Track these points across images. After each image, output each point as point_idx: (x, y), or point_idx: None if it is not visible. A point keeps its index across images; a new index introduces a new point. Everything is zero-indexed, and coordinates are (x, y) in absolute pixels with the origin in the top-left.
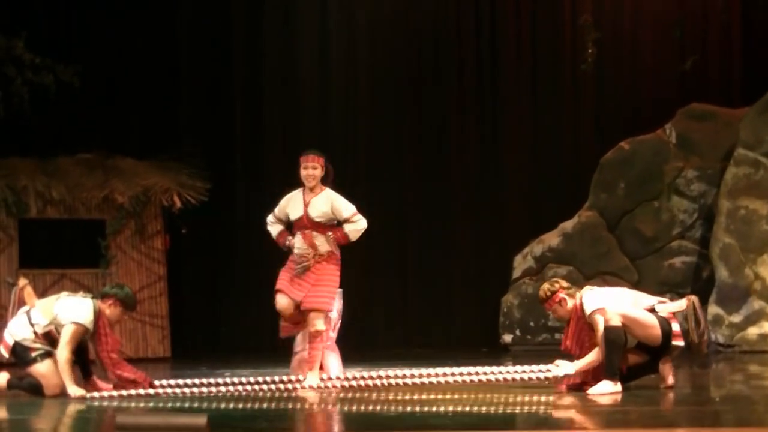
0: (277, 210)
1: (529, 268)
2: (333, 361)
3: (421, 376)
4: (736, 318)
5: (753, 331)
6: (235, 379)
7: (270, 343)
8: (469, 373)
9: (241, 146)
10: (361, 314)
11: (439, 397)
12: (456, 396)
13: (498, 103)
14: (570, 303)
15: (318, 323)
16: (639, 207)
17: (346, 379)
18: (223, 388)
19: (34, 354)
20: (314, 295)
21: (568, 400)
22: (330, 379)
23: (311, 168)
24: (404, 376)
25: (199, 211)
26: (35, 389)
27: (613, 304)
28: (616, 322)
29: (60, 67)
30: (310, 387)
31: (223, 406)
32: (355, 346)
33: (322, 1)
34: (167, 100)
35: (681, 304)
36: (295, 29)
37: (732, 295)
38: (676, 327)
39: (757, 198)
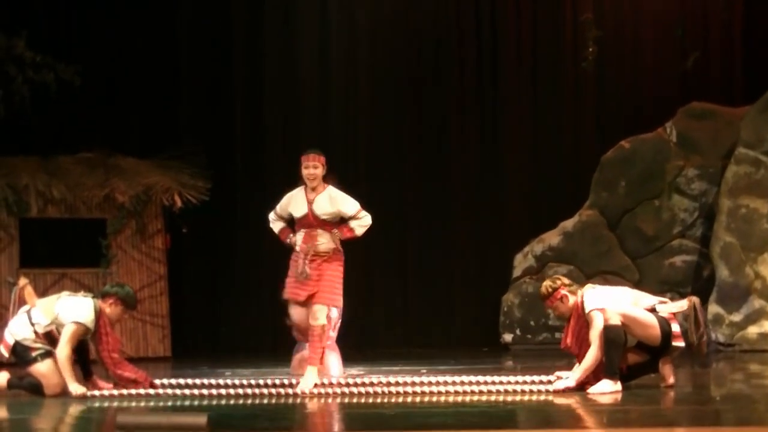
0: (278, 208)
1: (529, 267)
2: (333, 360)
3: (422, 384)
4: (737, 317)
5: (753, 330)
6: (236, 381)
7: (270, 342)
8: (470, 383)
9: (242, 146)
10: (362, 313)
11: (441, 396)
12: (457, 395)
13: (498, 103)
14: (571, 300)
15: (320, 317)
16: (640, 206)
17: (347, 384)
18: (223, 391)
19: (34, 354)
20: (319, 290)
21: (568, 399)
22: (326, 384)
23: (312, 167)
24: (405, 384)
25: (199, 210)
26: (35, 389)
27: (614, 303)
28: (615, 321)
29: (61, 65)
30: (302, 392)
31: (223, 405)
32: (356, 345)
33: (322, 1)
34: (168, 99)
35: (682, 304)
36: (295, 29)
37: (732, 294)
38: (676, 327)
39: (758, 197)
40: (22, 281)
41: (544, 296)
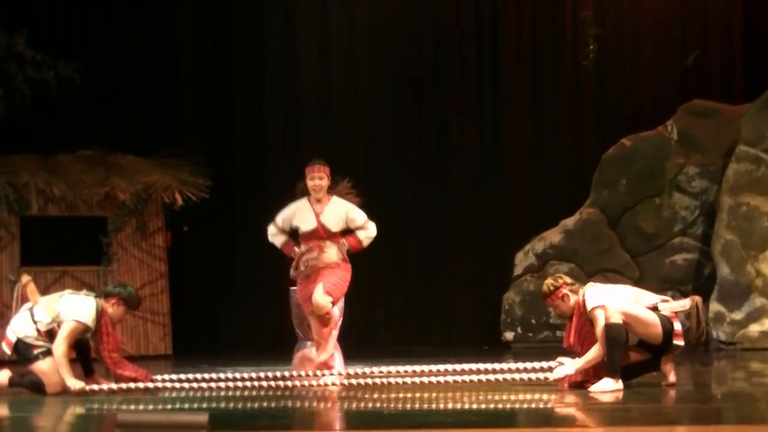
0: (280, 221)
1: (530, 266)
2: (336, 358)
3: (422, 374)
4: (738, 315)
5: (754, 329)
6: (237, 375)
7: (271, 340)
8: (471, 371)
9: (242, 144)
10: (362, 312)
11: (441, 394)
12: (458, 393)
13: (498, 101)
14: (572, 299)
15: (319, 296)
16: (640, 204)
17: (349, 375)
18: (222, 384)
19: (36, 351)
20: (329, 282)
21: (569, 397)
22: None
23: (318, 178)
24: (405, 373)
25: (200, 208)
26: (37, 387)
27: (615, 301)
28: (617, 319)
29: (61, 64)
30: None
31: (224, 404)
32: (356, 344)
33: (322, 0)
34: (168, 97)
35: (684, 303)
36: (295, 28)
37: (733, 292)
38: (678, 326)
39: (759, 195)
40: (25, 279)
41: (545, 294)
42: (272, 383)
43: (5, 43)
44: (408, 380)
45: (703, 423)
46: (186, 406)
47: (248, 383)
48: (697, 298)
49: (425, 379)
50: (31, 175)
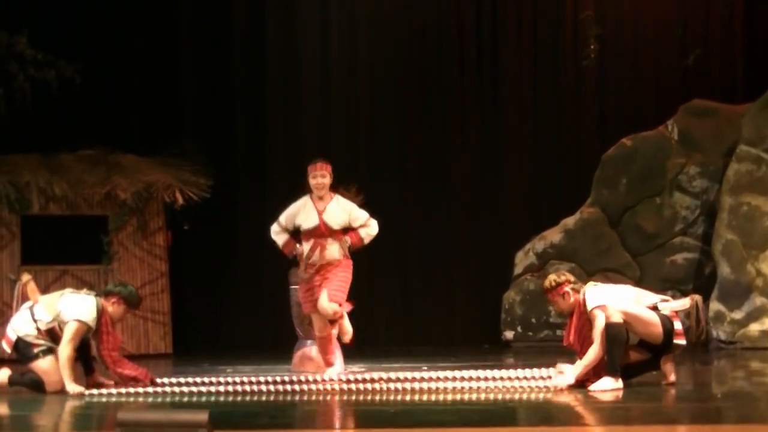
0: (283, 220)
1: (530, 265)
2: (337, 357)
3: (422, 380)
4: (738, 314)
5: (755, 328)
6: (237, 378)
7: (271, 339)
8: (470, 378)
9: (243, 143)
10: (362, 311)
11: (441, 393)
12: (458, 392)
13: (499, 101)
14: (573, 298)
15: (324, 302)
16: (641, 203)
17: (349, 381)
18: (222, 388)
19: (36, 350)
20: (332, 287)
21: (569, 396)
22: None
23: (320, 176)
24: (405, 380)
25: (201, 207)
26: (37, 385)
27: (615, 300)
28: (617, 318)
29: (62, 63)
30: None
31: (224, 402)
32: (357, 343)
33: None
34: (169, 96)
35: (684, 303)
36: (295, 27)
37: (734, 291)
38: (678, 325)
39: (760, 194)
40: (26, 277)
41: (546, 289)
42: (271, 387)
43: (6, 42)
44: (408, 386)
45: (703, 422)
46: (186, 399)
47: (247, 387)
48: (697, 297)
49: (425, 385)
50: (32, 174)
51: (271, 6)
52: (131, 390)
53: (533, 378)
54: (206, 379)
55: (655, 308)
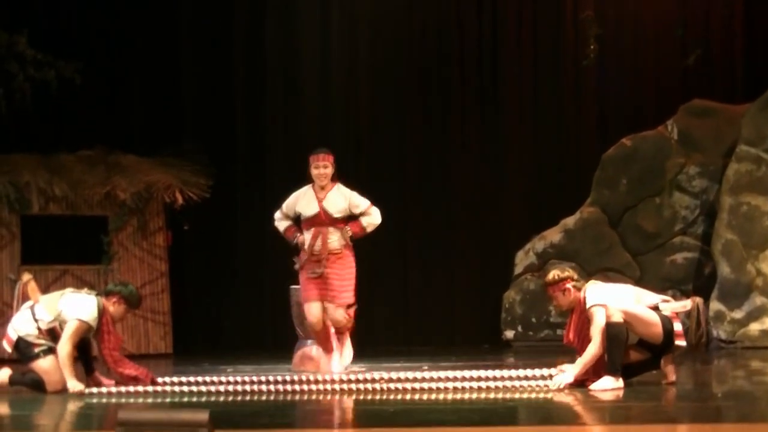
0: (284, 207)
1: (530, 264)
2: (334, 356)
3: (423, 380)
4: (738, 314)
5: (755, 327)
6: (237, 378)
7: (271, 339)
8: (471, 378)
9: (243, 143)
10: (363, 311)
11: (441, 392)
12: (459, 392)
13: (499, 100)
14: (573, 295)
15: (338, 314)
16: (641, 203)
17: (350, 381)
18: (222, 388)
19: (37, 350)
20: (336, 294)
21: (570, 395)
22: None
23: (323, 167)
24: (405, 379)
25: (201, 207)
26: (37, 385)
27: (615, 300)
28: (617, 318)
29: (62, 63)
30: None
31: (225, 401)
32: (357, 342)
33: None
34: (169, 97)
35: (685, 304)
36: (295, 27)
37: (734, 291)
38: (678, 326)
39: (759, 194)
40: (26, 277)
41: (548, 283)
42: (271, 387)
43: (6, 42)
44: (408, 386)
45: (704, 421)
46: (186, 399)
47: (248, 387)
48: (698, 299)
49: (426, 385)
50: (32, 175)
51: (271, 6)
52: (132, 390)
53: (534, 377)
54: (206, 378)
55: (655, 308)
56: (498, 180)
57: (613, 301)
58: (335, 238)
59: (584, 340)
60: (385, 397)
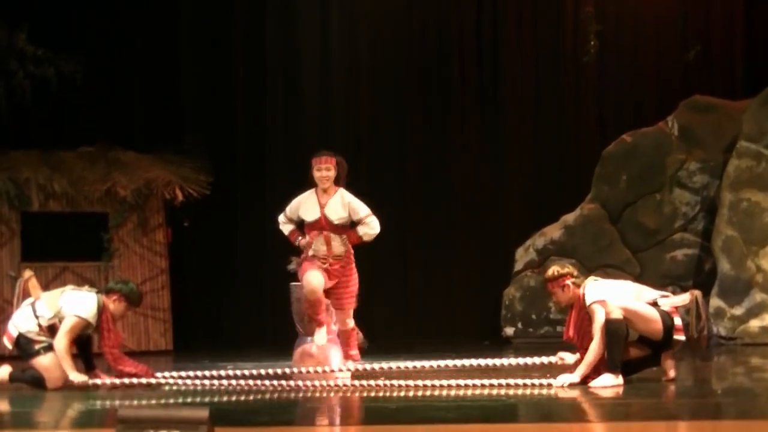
0: (288, 211)
1: (530, 261)
2: (334, 353)
3: (424, 372)
4: (738, 310)
5: (755, 324)
6: (237, 372)
7: (271, 335)
8: (472, 366)
9: (243, 140)
10: (363, 307)
11: (442, 390)
12: (459, 389)
13: (499, 97)
14: (572, 291)
15: (349, 322)
16: (641, 199)
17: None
18: (225, 382)
19: (37, 347)
20: (342, 297)
21: (570, 392)
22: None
23: (325, 169)
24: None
25: (201, 204)
26: (37, 382)
27: (615, 296)
28: (617, 314)
29: (62, 60)
30: (340, 369)
31: (225, 399)
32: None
33: None
34: (169, 93)
35: (684, 298)
36: (295, 23)
37: (734, 287)
38: (678, 321)
39: (760, 190)
40: (27, 273)
41: (548, 278)
42: (274, 382)
43: (6, 38)
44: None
45: (703, 418)
46: (189, 399)
47: (250, 381)
48: (697, 293)
49: (428, 382)
50: (32, 171)
51: (271, 6)
52: (134, 381)
53: (535, 366)
54: (207, 372)
55: (655, 304)
56: (498, 180)
57: (612, 297)
58: (338, 243)
59: (584, 336)
60: (387, 394)
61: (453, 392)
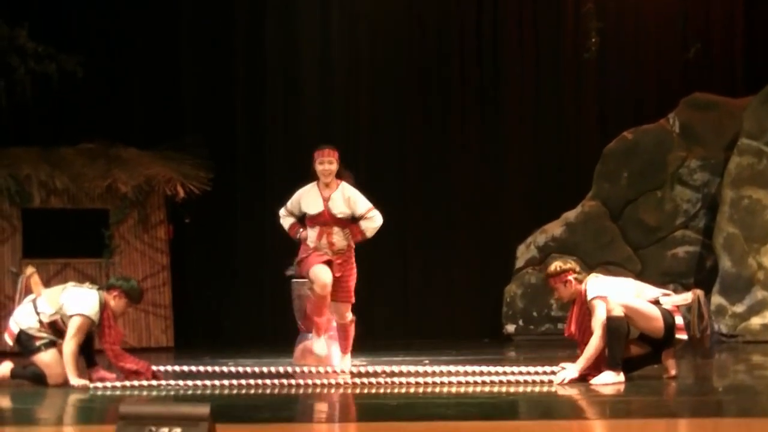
0: (289, 204)
1: (532, 258)
2: (334, 351)
3: (426, 374)
4: (740, 308)
5: (756, 321)
6: (239, 369)
7: (272, 332)
8: (473, 373)
9: (244, 136)
10: (364, 305)
11: (443, 387)
12: (460, 386)
13: (500, 94)
14: (574, 287)
15: (348, 314)
16: (642, 197)
17: (354, 374)
18: (226, 381)
19: (38, 343)
20: (343, 291)
21: (570, 389)
22: (335, 372)
23: (327, 163)
24: (407, 373)
25: (202, 200)
26: (38, 378)
27: (616, 294)
28: (618, 312)
29: (63, 56)
30: (343, 371)
31: (226, 395)
32: (358, 336)
33: None
34: (170, 89)
35: (686, 297)
36: (296, 21)
37: (735, 285)
38: (679, 320)
39: (761, 187)
40: (29, 270)
41: (550, 274)
42: (275, 381)
43: (7, 35)
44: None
45: (704, 415)
46: (189, 393)
47: (251, 380)
48: (699, 291)
49: (429, 380)
50: (33, 168)
51: (271, 6)
52: (135, 383)
53: (536, 373)
54: (208, 369)
55: (656, 302)
56: (498, 179)
57: (613, 294)
58: (340, 237)
59: (585, 332)
60: (387, 391)
61: (454, 389)
